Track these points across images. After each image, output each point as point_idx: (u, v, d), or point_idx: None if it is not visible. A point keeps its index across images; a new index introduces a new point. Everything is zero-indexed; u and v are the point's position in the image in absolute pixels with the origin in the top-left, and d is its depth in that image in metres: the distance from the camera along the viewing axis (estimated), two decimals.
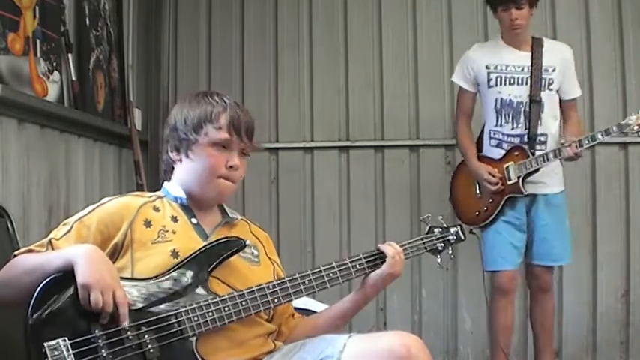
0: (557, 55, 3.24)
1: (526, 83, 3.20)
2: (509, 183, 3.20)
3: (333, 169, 4.14)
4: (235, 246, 1.80)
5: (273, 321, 1.89)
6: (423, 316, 4.03)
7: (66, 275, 1.61)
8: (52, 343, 1.53)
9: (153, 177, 4.01)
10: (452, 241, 2.10)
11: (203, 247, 1.78)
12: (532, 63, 3.19)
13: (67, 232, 1.76)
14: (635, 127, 3.04)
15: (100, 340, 1.57)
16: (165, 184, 1.94)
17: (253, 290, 1.75)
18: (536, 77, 3.17)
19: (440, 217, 2.16)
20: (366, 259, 1.93)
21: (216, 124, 1.85)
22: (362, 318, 3.77)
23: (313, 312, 2.09)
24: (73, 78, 3.22)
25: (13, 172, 2.74)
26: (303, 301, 2.17)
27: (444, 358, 3.97)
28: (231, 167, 1.87)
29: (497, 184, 3.21)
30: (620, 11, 3.90)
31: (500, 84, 3.24)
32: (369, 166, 4.11)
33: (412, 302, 4.03)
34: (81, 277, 1.59)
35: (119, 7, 3.86)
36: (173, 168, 1.92)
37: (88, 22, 3.46)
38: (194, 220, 1.87)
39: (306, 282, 1.82)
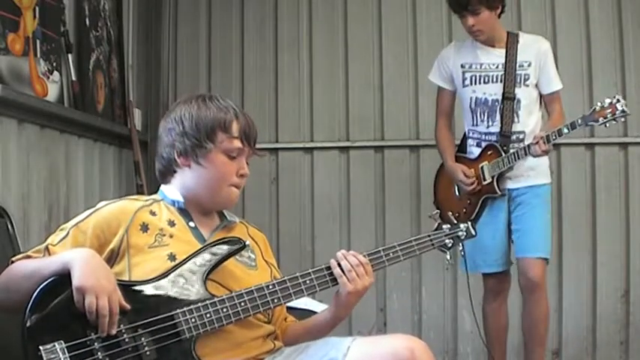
0: (533, 50, 3.16)
1: (500, 81, 3.15)
2: (484, 183, 3.16)
3: (333, 169, 4.14)
4: (235, 246, 1.79)
5: (272, 322, 1.88)
6: (423, 316, 4.03)
7: (62, 279, 1.60)
8: (48, 346, 1.53)
9: (153, 177, 4.00)
10: (462, 237, 2.02)
11: (201, 247, 1.77)
12: (506, 60, 3.14)
13: (63, 238, 1.75)
14: (600, 119, 2.95)
15: (95, 344, 1.57)
16: (163, 187, 1.92)
17: (252, 291, 1.74)
18: (510, 74, 3.12)
19: (449, 212, 2.13)
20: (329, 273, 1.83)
21: (230, 133, 1.85)
22: (362, 318, 3.80)
23: (313, 312, 2.08)
24: (73, 78, 3.22)
25: (13, 172, 2.74)
26: (304, 302, 2.17)
27: (443, 358, 3.97)
28: (242, 175, 1.88)
29: (472, 184, 3.17)
30: (620, 11, 3.90)
31: (475, 83, 3.19)
32: (369, 166, 4.11)
33: (412, 302, 4.03)
34: (76, 280, 1.59)
35: (119, 7, 3.86)
36: (174, 171, 1.89)
37: (87, 22, 3.46)
38: (192, 224, 1.86)
39: (307, 282, 1.79)
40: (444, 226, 2.02)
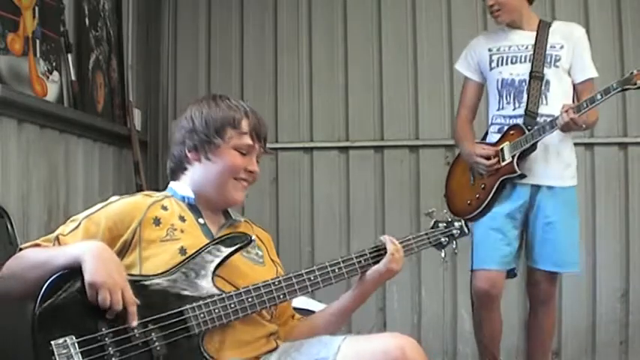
0: (566, 33, 2.99)
1: (529, 61, 2.96)
2: (503, 164, 2.91)
3: (333, 169, 4.14)
4: (242, 241, 1.81)
5: (275, 321, 1.89)
6: (423, 316, 4.03)
7: (73, 272, 1.60)
8: (60, 341, 1.53)
9: (152, 177, 4.01)
10: (456, 235, 2.08)
11: (209, 243, 1.78)
12: (537, 39, 2.96)
13: (74, 229, 1.76)
14: (638, 82, 2.75)
15: (106, 339, 1.57)
16: (172, 184, 1.95)
17: (259, 287, 1.75)
18: (539, 53, 2.93)
19: (444, 211, 2.16)
20: (371, 254, 1.92)
21: (240, 130, 1.88)
22: (361, 318, 3.80)
23: (313, 312, 2.09)
24: (73, 78, 3.22)
25: (12, 172, 2.74)
26: (304, 301, 2.17)
27: (443, 358, 3.97)
28: (250, 172, 1.90)
29: (490, 162, 2.92)
30: (620, 11, 3.90)
31: (502, 64, 3.01)
32: (369, 166, 4.11)
33: (412, 302, 4.03)
34: (89, 275, 1.59)
35: (118, 7, 3.86)
36: (185, 168, 1.92)
37: (87, 22, 3.47)
38: (201, 220, 1.88)
39: (312, 278, 1.82)
40: (440, 224, 2.08)
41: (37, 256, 1.68)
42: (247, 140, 1.88)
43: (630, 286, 3.86)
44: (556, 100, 2.90)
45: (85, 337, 1.55)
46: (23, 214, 2.79)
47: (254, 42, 4.21)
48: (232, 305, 1.71)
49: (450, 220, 2.09)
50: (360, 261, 1.91)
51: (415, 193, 4.05)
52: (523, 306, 3.78)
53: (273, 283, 1.77)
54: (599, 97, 2.73)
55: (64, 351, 1.52)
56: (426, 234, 2.04)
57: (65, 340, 1.53)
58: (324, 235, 4.09)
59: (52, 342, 1.52)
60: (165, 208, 1.85)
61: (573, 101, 2.93)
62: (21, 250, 1.74)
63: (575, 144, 3.84)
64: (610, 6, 3.91)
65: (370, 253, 1.93)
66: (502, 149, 2.94)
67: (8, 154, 2.72)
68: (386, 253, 1.92)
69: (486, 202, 2.94)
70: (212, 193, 1.90)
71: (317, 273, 1.83)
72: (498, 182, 2.92)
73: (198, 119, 1.89)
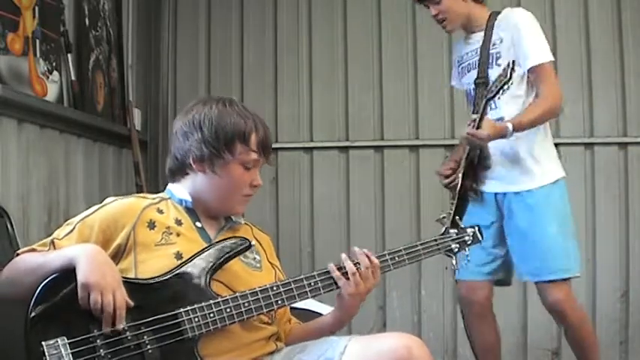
0: (505, 24, 2.75)
1: (475, 67, 2.81)
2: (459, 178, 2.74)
3: (333, 169, 4.14)
4: (240, 246, 1.79)
5: (275, 324, 1.88)
6: (423, 316, 4.03)
7: (67, 274, 1.60)
8: (51, 342, 1.53)
9: (152, 177, 4.01)
10: (468, 242, 2.00)
11: (207, 246, 1.77)
12: (483, 42, 2.78)
13: (69, 232, 1.75)
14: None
15: (98, 340, 1.57)
16: (170, 186, 1.92)
17: (256, 292, 1.73)
18: (484, 56, 2.76)
19: (456, 217, 2.11)
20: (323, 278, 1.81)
21: (249, 145, 1.84)
22: (361, 318, 3.78)
23: (314, 313, 2.08)
24: (73, 78, 3.23)
25: (12, 172, 2.74)
26: (304, 302, 2.17)
27: (443, 358, 3.97)
28: (254, 186, 1.89)
29: (445, 175, 2.81)
30: (620, 11, 3.90)
31: (464, 76, 2.90)
32: (369, 166, 4.11)
33: (412, 302, 4.03)
34: (81, 276, 1.59)
35: (118, 7, 3.86)
36: (187, 173, 1.88)
37: (87, 22, 3.47)
38: (198, 224, 1.86)
39: (312, 284, 1.79)
40: (451, 231, 2.00)
41: (33, 260, 1.68)
42: (254, 155, 1.85)
43: (630, 286, 3.85)
44: (506, 102, 2.72)
45: (76, 339, 1.55)
46: (23, 214, 2.79)
47: (254, 42, 4.21)
48: (228, 310, 1.69)
49: (462, 226, 2.02)
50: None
51: (415, 194, 4.05)
52: (522, 304, 3.78)
53: (271, 288, 1.75)
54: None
55: (55, 352, 1.52)
56: (435, 240, 1.97)
57: (56, 341, 1.53)
58: (324, 235, 4.09)
59: (43, 342, 1.52)
60: (160, 211, 1.83)
61: (531, 87, 2.73)
62: (18, 255, 1.74)
63: (575, 144, 3.88)
64: (610, 6, 3.91)
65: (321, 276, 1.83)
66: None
67: (8, 154, 2.72)
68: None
69: (451, 214, 2.75)
70: (213, 204, 1.87)
71: (317, 279, 1.80)
72: (457, 197, 2.73)
73: (207, 128, 1.82)
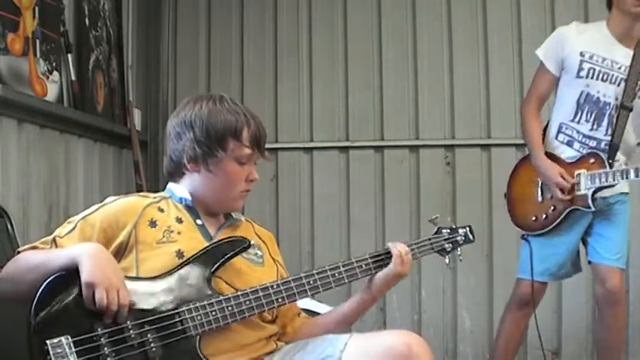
0: None
1: (619, 84, 2.79)
2: (577, 193, 2.78)
3: (333, 169, 4.14)
4: (240, 245, 1.80)
5: (277, 321, 1.89)
6: (423, 316, 4.03)
7: (70, 273, 1.61)
8: (55, 340, 1.53)
9: (152, 177, 4.01)
10: (460, 242, 2.07)
11: (208, 246, 1.78)
12: (632, 64, 2.77)
13: (70, 231, 1.76)
14: None
15: (102, 339, 1.57)
16: (171, 185, 1.93)
17: (257, 290, 1.74)
18: (632, 81, 2.76)
19: (448, 218, 2.15)
20: (372, 260, 1.91)
21: (240, 140, 1.84)
22: (362, 319, 3.79)
23: (313, 312, 2.08)
24: (73, 78, 3.23)
25: (13, 172, 2.74)
26: (304, 302, 2.17)
27: (443, 358, 3.97)
28: (251, 181, 1.88)
29: (567, 190, 2.79)
30: None
31: (591, 77, 2.81)
32: (369, 166, 4.11)
33: (412, 302, 4.03)
34: (85, 275, 1.59)
35: (118, 7, 3.87)
36: (183, 173, 1.89)
37: (87, 22, 3.47)
38: (199, 222, 1.86)
39: (311, 282, 1.80)
40: (444, 230, 2.06)
41: (35, 258, 1.68)
42: (247, 150, 1.85)
43: (630, 286, 3.85)
44: (630, 134, 2.84)
45: (80, 337, 1.55)
46: (23, 214, 2.79)
47: (254, 42, 4.21)
48: (230, 308, 1.70)
49: (454, 226, 2.08)
50: (361, 265, 1.89)
51: (415, 193, 4.05)
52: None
53: (272, 286, 1.76)
54: None
55: (59, 350, 1.52)
56: (429, 240, 2.03)
57: (60, 340, 1.53)
58: (324, 235, 4.09)
59: (47, 341, 1.52)
60: (161, 210, 1.84)
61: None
62: (19, 253, 1.75)
63: None
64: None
65: (371, 257, 1.91)
66: (579, 176, 2.80)
67: (8, 154, 2.72)
68: (388, 257, 1.91)
69: (553, 225, 2.86)
70: (211, 201, 1.88)
71: (316, 277, 1.82)
72: (569, 210, 2.83)
73: (198, 127, 1.83)
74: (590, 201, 2.77)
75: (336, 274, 1.85)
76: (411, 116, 4.09)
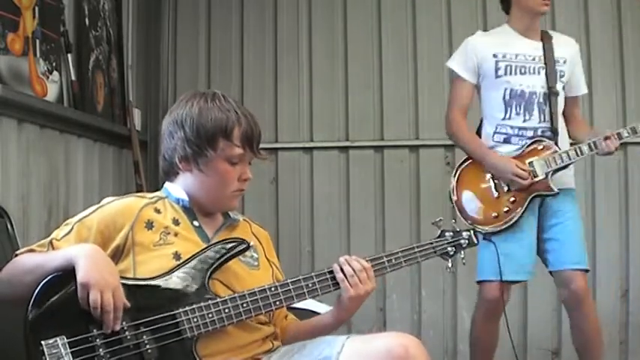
0: (567, 48, 3.01)
1: (538, 73, 2.92)
2: (536, 179, 2.85)
3: (333, 170, 4.14)
4: (237, 247, 1.79)
5: (272, 322, 1.88)
6: (423, 316, 4.03)
7: (66, 274, 1.61)
8: (50, 341, 1.54)
9: (152, 177, 4.01)
10: (464, 245, 2.02)
11: (205, 247, 1.77)
12: (545, 53, 2.93)
13: (67, 233, 1.76)
14: None
15: (97, 340, 1.58)
16: (167, 185, 1.92)
17: (254, 292, 1.74)
18: (551, 67, 2.91)
19: (452, 220, 2.13)
20: (318, 280, 1.83)
21: (231, 139, 1.82)
22: (361, 318, 3.78)
23: (312, 312, 2.08)
24: (73, 78, 3.23)
25: (12, 172, 2.74)
26: (304, 302, 2.17)
27: (443, 358, 3.97)
28: (244, 180, 1.87)
29: (527, 178, 2.85)
30: (620, 12, 3.90)
31: (510, 74, 2.93)
32: (369, 167, 4.11)
33: (412, 302, 4.03)
34: (81, 275, 1.59)
35: (118, 7, 3.86)
36: (177, 172, 1.88)
37: (87, 22, 3.47)
38: (196, 223, 1.86)
39: (310, 285, 1.80)
40: (447, 234, 2.02)
41: (32, 260, 1.69)
42: (239, 150, 1.82)
43: (630, 285, 3.86)
44: (559, 116, 2.95)
45: (76, 338, 1.56)
46: (23, 214, 2.79)
47: (254, 42, 4.21)
48: (227, 310, 1.70)
49: (457, 229, 2.04)
50: (308, 285, 1.83)
51: (415, 193, 4.05)
52: (522, 304, 3.80)
53: (270, 289, 1.76)
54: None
55: (55, 351, 1.53)
56: (431, 243, 1.99)
57: (56, 340, 1.54)
58: (324, 235, 4.09)
59: (43, 342, 1.53)
60: (158, 210, 1.83)
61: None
62: (16, 256, 1.75)
63: (575, 143, 3.87)
64: (610, 6, 3.91)
65: (317, 277, 1.84)
66: (531, 163, 2.88)
67: (8, 154, 2.72)
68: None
69: (519, 214, 2.88)
70: (205, 201, 1.87)
71: (315, 280, 1.81)
72: (530, 197, 2.88)
73: (188, 126, 1.81)
74: (551, 184, 2.87)
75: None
76: (411, 116, 4.09)
